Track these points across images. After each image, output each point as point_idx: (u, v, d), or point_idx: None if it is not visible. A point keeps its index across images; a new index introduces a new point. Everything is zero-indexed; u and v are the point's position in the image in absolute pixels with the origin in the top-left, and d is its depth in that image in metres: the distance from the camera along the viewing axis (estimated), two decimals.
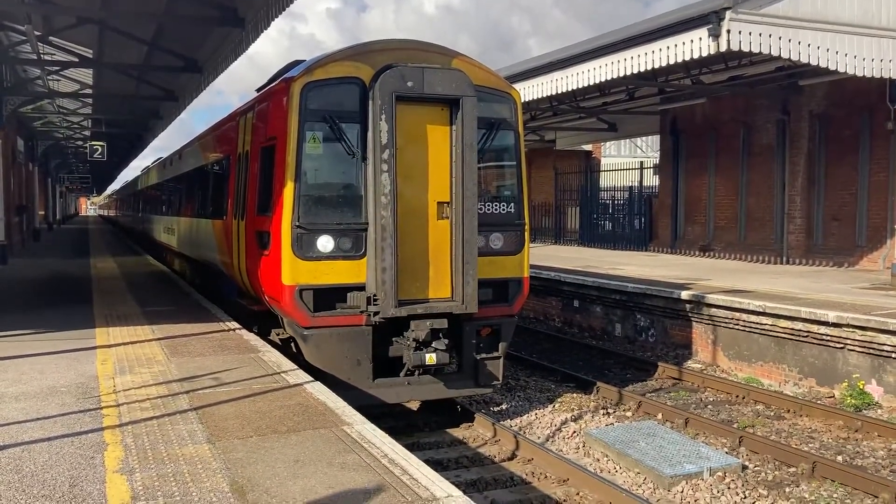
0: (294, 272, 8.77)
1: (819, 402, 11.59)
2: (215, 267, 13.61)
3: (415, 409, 10.86)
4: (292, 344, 9.82)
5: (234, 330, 10.55)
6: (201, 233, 14.79)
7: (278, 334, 10.73)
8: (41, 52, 17.76)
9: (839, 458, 9.36)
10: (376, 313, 8.82)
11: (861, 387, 11.51)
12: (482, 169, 9.50)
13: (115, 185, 75.28)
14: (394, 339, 9.23)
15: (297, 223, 8.74)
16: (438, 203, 9.15)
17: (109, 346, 9.24)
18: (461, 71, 9.11)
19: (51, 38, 17.21)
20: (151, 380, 7.53)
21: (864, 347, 11.53)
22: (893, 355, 11.20)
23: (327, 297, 8.93)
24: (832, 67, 14.06)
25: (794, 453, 9.18)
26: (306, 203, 8.86)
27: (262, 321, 11.46)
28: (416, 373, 9.28)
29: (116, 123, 30.72)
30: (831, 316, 11.82)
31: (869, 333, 11.35)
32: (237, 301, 12.67)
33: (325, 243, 8.79)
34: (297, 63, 10.38)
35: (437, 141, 9.10)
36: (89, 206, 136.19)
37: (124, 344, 9.42)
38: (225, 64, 16.35)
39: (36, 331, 10.20)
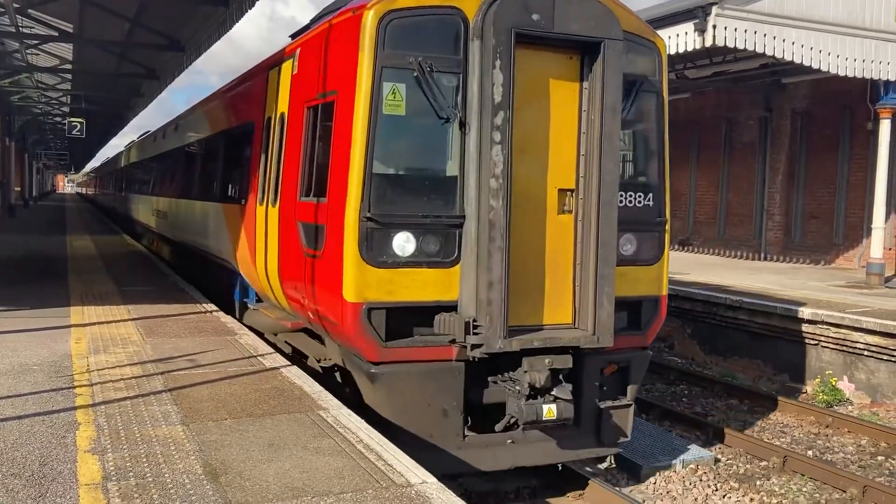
0: (361, 284, 6.35)
1: (792, 397, 11.73)
2: (221, 261, 11.40)
3: None
4: (335, 372, 7.78)
5: (211, 312, 10.45)
6: (206, 219, 12.33)
7: (319, 360, 8.21)
8: (20, 24, 17.45)
9: (810, 452, 9.48)
10: (478, 345, 6.39)
11: (833, 383, 11.66)
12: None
13: (95, 163, 74.36)
14: (490, 378, 6.83)
15: (368, 214, 6.31)
16: (559, 191, 6.81)
17: (84, 325, 9.13)
18: (602, 3, 6.61)
19: (30, 10, 16.89)
20: (126, 360, 7.45)
21: (838, 344, 11.67)
22: (865, 353, 11.36)
23: (404, 320, 6.56)
24: (816, 66, 14.17)
25: (765, 447, 9.29)
26: (381, 186, 6.41)
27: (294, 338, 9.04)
28: (521, 427, 6.81)
29: (96, 100, 30.29)
30: (806, 313, 11.96)
31: (843, 331, 11.49)
32: (244, 304, 10.31)
33: (403, 243, 6.41)
34: None
35: (561, 103, 6.76)
36: (67, 184, 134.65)
37: (99, 323, 9.31)
38: (208, 43, 16.19)
39: (9, 308, 10.04)
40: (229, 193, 11.00)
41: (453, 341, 6.51)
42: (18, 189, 43.82)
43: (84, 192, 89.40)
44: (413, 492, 4.42)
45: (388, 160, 6.54)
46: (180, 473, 4.58)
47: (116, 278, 13.64)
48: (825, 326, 11.73)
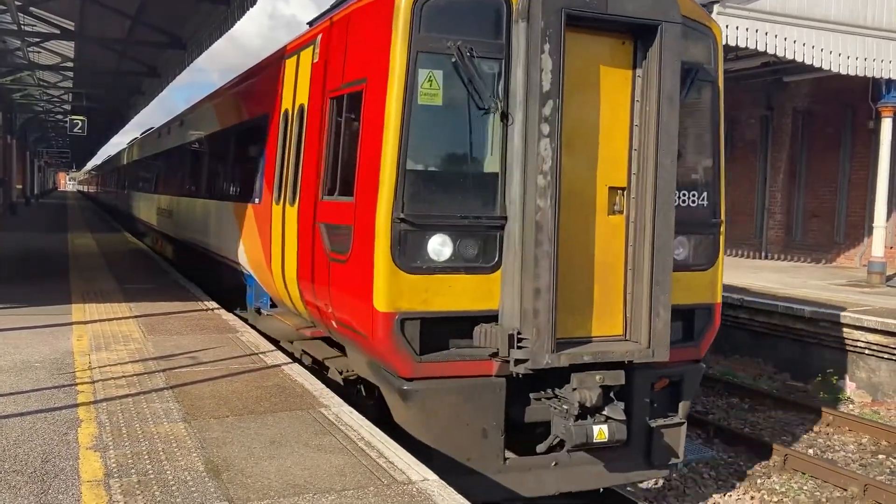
0: (393, 292, 5.78)
1: (792, 396, 11.73)
2: (231, 263, 10.89)
3: None
4: (360, 385, 7.29)
5: (212, 310, 10.47)
6: (215, 219, 11.82)
7: (341, 371, 7.67)
8: (22, 22, 17.47)
9: (810, 451, 9.49)
10: (522, 360, 5.77)
11: (834, 382, 11.66)
12: None
13: (97, 161, 74.35)
14: (532, 395, 6.28)
15: (401, 214, 5.73)
16: (610, 189, 6.22)
17: (86, 323, 9.14)
18: None
19: (31, 8, 16.93)
20: (127, 357, 7.46)
21: (839, 343, 11.67)
22: (867, 352, 11.36)
23: (440, 332, 5.98)
24: (817, 64, 14.15)
25: (766, 446, 9.30)
26: (415, 183, 5.82)
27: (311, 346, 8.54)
28: (565, 448, 6.21)
29: (97, 98, 30.33)
30: (807, 311, 11.96)
31: (843, 329, 11.49)
32: (258, 311, 9.76)
33: (439, 247, 5.83)
34: None
35: (612, 92, 6.17)
36: (68, 182, 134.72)
37: (101, 321, 9.32)
38: (210, 41, 16.20)
39: (10, 305, 10.06)
40: (241, 192, 10.45)
41: (494, 355, 5.91)
42: (20, 187, 43.85)
43: (85, 189, 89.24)
44: (414, 489, 4.42)
45: (422, 155, 5.94)
46: (182, 470, 4.59)
47: (118, 276, 13.65)
48: (826, 325, 11.73)
